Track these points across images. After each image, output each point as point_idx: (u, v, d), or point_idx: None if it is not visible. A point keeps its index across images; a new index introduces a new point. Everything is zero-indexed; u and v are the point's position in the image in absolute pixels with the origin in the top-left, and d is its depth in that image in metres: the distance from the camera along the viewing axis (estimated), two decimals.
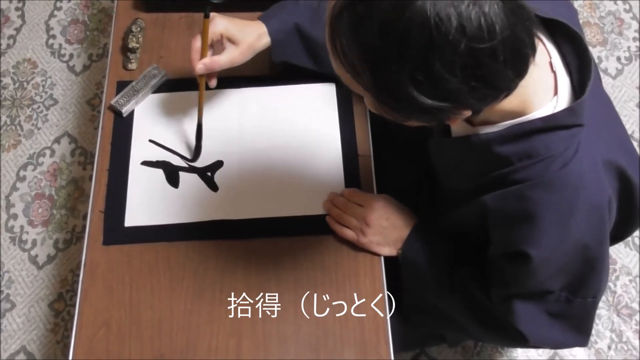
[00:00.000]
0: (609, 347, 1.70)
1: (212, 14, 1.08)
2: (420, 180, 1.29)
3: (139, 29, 1.33)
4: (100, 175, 1.20)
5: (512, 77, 0.72)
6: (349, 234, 1.13)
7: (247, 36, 1.12)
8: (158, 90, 1.28)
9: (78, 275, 1.13)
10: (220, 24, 1.09)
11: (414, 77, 0.68)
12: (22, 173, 1.98)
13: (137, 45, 1.31)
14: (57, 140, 2.04)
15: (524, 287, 0.99)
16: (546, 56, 0.87)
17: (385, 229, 1.12)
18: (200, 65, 1.10)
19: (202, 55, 1.10)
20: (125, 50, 1.32)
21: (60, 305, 1.80)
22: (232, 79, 1.26)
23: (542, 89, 0.86)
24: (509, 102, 0.80)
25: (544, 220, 0.87)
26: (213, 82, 1.16)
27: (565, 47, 0.89)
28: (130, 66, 1.30)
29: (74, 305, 1.11)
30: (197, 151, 1.21)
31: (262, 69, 1.29)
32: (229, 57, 1.11)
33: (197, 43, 1.10)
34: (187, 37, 1.33)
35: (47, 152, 2.02)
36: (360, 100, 1.25)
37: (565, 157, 0.84)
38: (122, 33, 1.34)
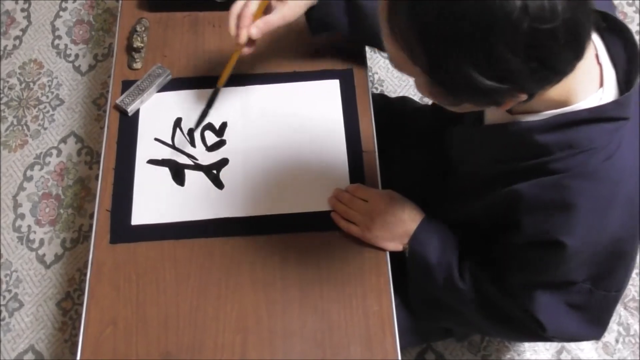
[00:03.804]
0: (617, 341, 1.70)
1: None
2: (427, 174, 1.29)
3: (143, 28, 1.33)
4: (106, 174, 1.21)
5: (571, 59, 0.72)
6: (354, 229, 1.13)
7: None
8: (163, 89, 1.28)
9: (85, 274, 1.14)
10: None
11: (473, 57, 0.68)
12: (29, 173, 2.00)
13: (142, 45, 1.32)
14: (63, 140, 2.05)
15: (549, 276, 0.98)
16: (592, 48, 0.86)
17: (391, 223, 1.13)
18: (255, 29, 1.09)
19: (255, 19, 1.09)
20: (130, 49, 1.32)
21: (68, 304, 1.81)
22: (237, 76, 1.27)
23: (588, 80, 0.85)
24: (555, 91, 0.80)
25: (583, 209, 0.86)
26: (249, 50, 1.14)
27: (611, 41, 0.89)
28: (135, 65, 1.31)
29: (82, 304, 1.11)
30: (204, 112, 1.21)
31: (266, 67, 1.30)
32: (281, 14, 1.10)
33: (248, 9, 1.08)
34: (191, 36, 1.34)
35: (54, 151, 2.03)
36: (364, 97, 1.26)
37: (609, 150, 0.84)
38: (127, 33, 1.35)
